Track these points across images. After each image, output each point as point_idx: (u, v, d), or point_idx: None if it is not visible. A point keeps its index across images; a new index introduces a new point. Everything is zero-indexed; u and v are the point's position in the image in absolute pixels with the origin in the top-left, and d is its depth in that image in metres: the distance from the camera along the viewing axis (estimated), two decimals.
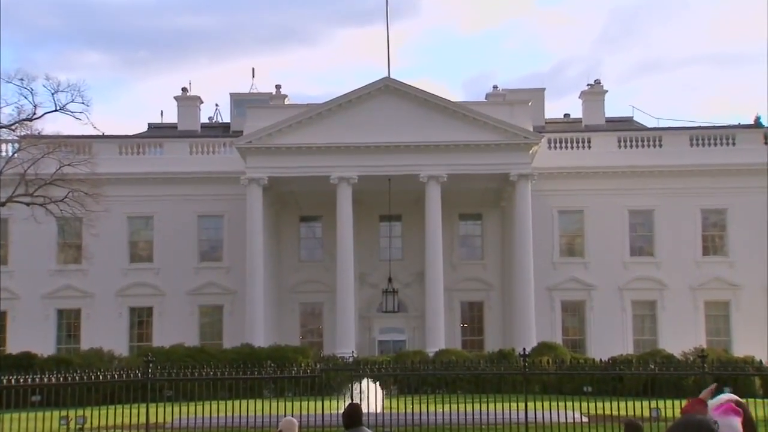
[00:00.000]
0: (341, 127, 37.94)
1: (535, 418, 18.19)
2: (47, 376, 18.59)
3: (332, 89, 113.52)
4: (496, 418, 18.52)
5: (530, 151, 38.24)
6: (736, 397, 4.42)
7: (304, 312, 42.99)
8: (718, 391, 4.59)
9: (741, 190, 40.98)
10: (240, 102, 45.82)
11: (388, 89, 38.28)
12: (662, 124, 47.01)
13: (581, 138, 42.61)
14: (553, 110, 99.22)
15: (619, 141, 42.49)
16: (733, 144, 41.95)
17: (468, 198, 41.55)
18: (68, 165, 34.70)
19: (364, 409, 12.23)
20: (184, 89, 47.50)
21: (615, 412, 18.54)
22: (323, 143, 37.83)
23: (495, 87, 45.61)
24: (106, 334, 39.77)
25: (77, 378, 18.43)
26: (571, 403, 21.08)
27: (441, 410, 18.79)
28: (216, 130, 47.39)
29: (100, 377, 18.41)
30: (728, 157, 41.34)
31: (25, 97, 37.14)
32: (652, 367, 22.24)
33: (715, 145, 41.99)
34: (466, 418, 18.04)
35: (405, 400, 19.66)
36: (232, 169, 40.81)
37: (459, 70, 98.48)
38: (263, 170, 38.07)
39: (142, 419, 17.87)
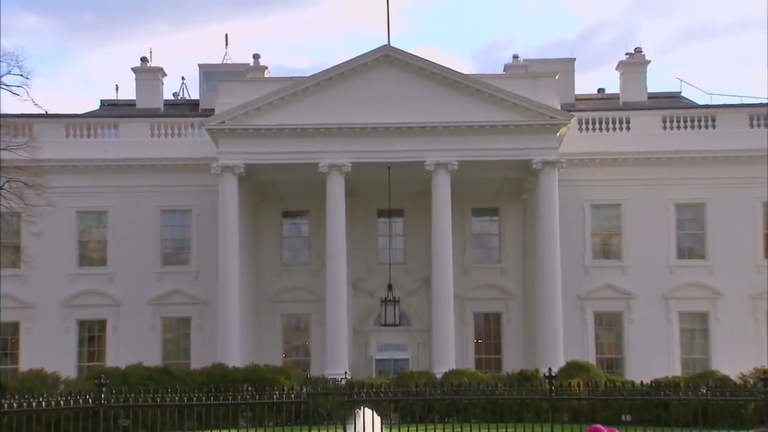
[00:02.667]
0: (332, 105, 37.91)
1: None
2: None
3: (321, 60, 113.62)
4: None
5: (557, 134, 38.23)
6: None
7: (287, 325, 43.00)
8: None
9: None
10: (211, 75, 45.81)
11: (387, 60, 38.26)
12: (715, 100, 47.19)
13: (619, 118, 42.63)
14: (584, 85, 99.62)
15: (665, 121, 42.49)
16: None
17: (483, 190, 41.54)
18: (4, 149, 34.61)
19: None
20: (143, 59, 47.50)
21: None
22: (310, 124, 37.81)
23: (515, 57, 45.66)
24: (50, 353, 39.77)
25: (14, 405, 18.37)
26: None
27: None
28: (182, 108, 47.38)
29: (43, 404, 18.37)
30: None
31: None
32: (704, 391, 22.23)
33: None
34: None
35: (408, 431, 19.63)
36: (201, 155, 40.75)
37: (469, 38, 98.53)
38: (239, 156, 38.05)
39: None
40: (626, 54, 46.87)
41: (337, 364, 36.26)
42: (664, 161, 41.82)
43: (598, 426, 3.63)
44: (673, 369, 39.10)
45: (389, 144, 37.85)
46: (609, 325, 42.09)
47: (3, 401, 18.56)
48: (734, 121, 42.21)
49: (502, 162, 38.66)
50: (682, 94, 47.83)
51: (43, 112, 41.02)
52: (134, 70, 47.24)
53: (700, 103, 46.01)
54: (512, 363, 40.03)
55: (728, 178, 41.51)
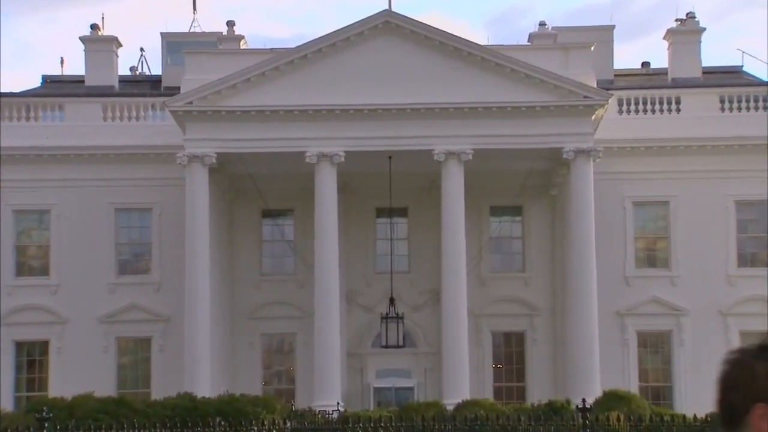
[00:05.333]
0: (322, 82, 37.96)
1: None
2: None
3: (307, 30, 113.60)
4: None
5: (593, 117, 38.30)
6: None
7: (268, 347, 43.07)
8: None
9: None
10: (176, 46, 45.76)
11: (388, 28, 38.32)
12: None
13: (667, 97, 42.67)
14: (625, 58, 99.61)
15: (723, 102, 42.54)
16: None
17: (503, 184, 41.57)
18: None
19: None
20: (93, 27, 47.41)
21: None
22: (296, 105, 37.85)
23: (542, 24, 45.63)
24: None
25: None
26: None
27: None
28: (141, 86, 47.40)
29: None
30: None
31: None
32: None
33: None
34: None
35: None
36: (164, 143, 40.81)
37: (483, 4, 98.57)
38: (210, 143, 38.10)
39: None
40: (676, 20, 46.84)
41: (327, 394, 36.30)
42: (722, 150, 41.83)
43: None
44: None
45: (390, 129, 37.89)
46: (655, 347, 42.15)
47: None
48: None
49: (526, 151, 38.69)
50: (744, 69, 47.80)
51: None
52: (83, 39, 47.12)
53: (766, 79, 46.00)
54: (538, 392, 39.97)
55: None
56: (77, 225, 42.00)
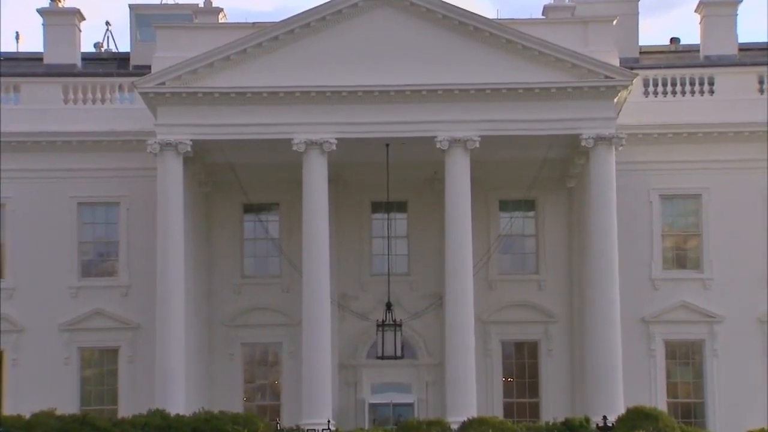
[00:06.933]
0: (311, 61, 37.92)
1: None
2: None
3: (293, 3, 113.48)
4: None
5: (615, 99, 38.27)
6: None
7: (250, 358, 43.06)
8: None
9: None
10: (146, 19, 45.70)
11: (386, 0, 38.37)
12: None
13: (699, 77, 42.66)
14: (651, 33, 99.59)
15: (762, 82, 42.51)
16: None
17: (514, 176, 41.60)
18: None
19: None
20: None
21: None
22: (282, 87, 37.82)
23: None
24: None
25: None
26: None
27: None
28: (107, 64, 47.26)
29: None
30: None
31: None
32: None
33: None
34: None
35: None
36: (133, 128, 40.84)
37: None
38: (184, 130, 38.01)
39: None
40: None
41: (317, 411, 36.30)
42: (761, 136, 41.84)
43: None
44: None
45: (388, 113, 37.86)
46: (685, 359, 42.11)
47: None
48: None
49: (539, 138, 38.67)
50: None
51: None
52: (41, 12, 47.04)
53: None
54: (554, 409, 40.16)
55: None
56: (35, 221, 41.96)
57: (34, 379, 41.06)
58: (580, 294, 40.76)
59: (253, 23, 40.41)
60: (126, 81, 42.24)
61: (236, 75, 38.02)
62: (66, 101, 42.62)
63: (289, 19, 38.37)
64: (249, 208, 43.35)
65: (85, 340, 42.03)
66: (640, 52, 45.59)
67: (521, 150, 39.66)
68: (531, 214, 43.39)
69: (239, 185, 41.98)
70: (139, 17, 46.86)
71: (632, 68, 40.07)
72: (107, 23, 50.55)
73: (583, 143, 37.94)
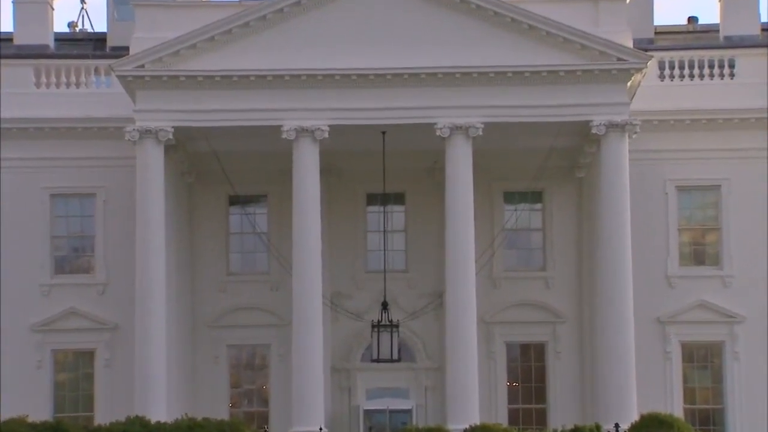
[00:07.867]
0: (301, 42, 37.91)
1: None
2: None
3: None
4: None
5: (629, 84, 38.28)
6: None
7: (236, 361, 43.08)
8: None
9: None
10: None
11: None
12: None
13: (719, 60, 42.67)
14: (667, 12, 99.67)
15: None
16: None
17: (520, 165, 41.63)
18: None
19: None
20: None
21: None
22: (270, 70, 37.82)
23: None
24: None
25: None
26: None
27: None
28: (82, 45, 47.27)
29: None
30: None
31: None
32: None
33: None
34: None
35: None
36: (110, 114, 40.82)
37: None
38: (165, 116, 38.02)
39: None
40: None
41: (308, 418, 36.37)
42: None
43: None
44: None
45: (384, 99, 37.87)
46: (703, 362, 42.17)
47: None
48: None
49: (547, 125, 38.67)
50: None
51: None
52: None
53: None
54: (562, 415, 40.29)
55: None
56: (4, 214, 41.89)
57: (4, 384, 40.99)
58: (590, 292, 40.82)
59: (240, 1, 40.42)
60: (102, 63, 42.17)
61: (221, 57, 37.97)
62: (38, 85, 42.57)
63: None
64: (235, 200, 43.33)
65: (59, 341, 42.00)
66: (656, 33, 45.64)
67: (527, 138, 39.68)
68: (538, 206, 43.42)
69: (224, 176, 41.89)
70: None
71: (647, 50, 40.05)
72: (82, 1, 50.56)
73: (594, 130, 37.94)
